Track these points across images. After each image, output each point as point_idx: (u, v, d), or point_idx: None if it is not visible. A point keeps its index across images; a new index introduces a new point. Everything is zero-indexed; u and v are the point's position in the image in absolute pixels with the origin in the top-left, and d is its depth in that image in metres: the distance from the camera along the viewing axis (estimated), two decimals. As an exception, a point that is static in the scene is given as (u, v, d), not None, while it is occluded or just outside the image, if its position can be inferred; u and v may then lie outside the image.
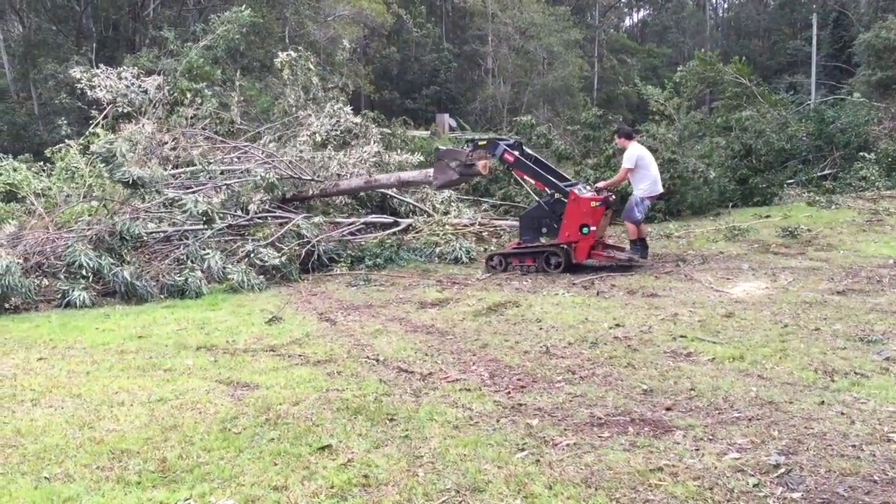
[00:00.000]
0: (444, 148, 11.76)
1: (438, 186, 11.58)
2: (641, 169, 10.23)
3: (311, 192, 12.94)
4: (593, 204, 10.02)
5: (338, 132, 14.18)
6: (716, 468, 3.77)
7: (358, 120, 14.78)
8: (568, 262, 10.23)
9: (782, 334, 6.28)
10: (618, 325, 6.88)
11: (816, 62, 39.37)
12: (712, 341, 6.15)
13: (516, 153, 10.56)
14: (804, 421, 4.35)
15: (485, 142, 10.89)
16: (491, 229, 13.87)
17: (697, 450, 4.02)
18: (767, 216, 14.55)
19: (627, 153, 10.29)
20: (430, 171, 11.46)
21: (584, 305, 7.89)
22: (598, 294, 8.54)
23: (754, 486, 3.57)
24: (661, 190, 10.75)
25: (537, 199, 10.87)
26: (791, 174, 19.85)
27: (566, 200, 10.11)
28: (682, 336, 6.36)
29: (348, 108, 14.79)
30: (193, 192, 11.59)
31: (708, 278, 9.03)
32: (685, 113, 19.71)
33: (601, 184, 10.81)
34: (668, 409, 4.67)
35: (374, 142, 14.27)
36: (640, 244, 10.35)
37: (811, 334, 6.25)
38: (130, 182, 10.54)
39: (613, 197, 10.71)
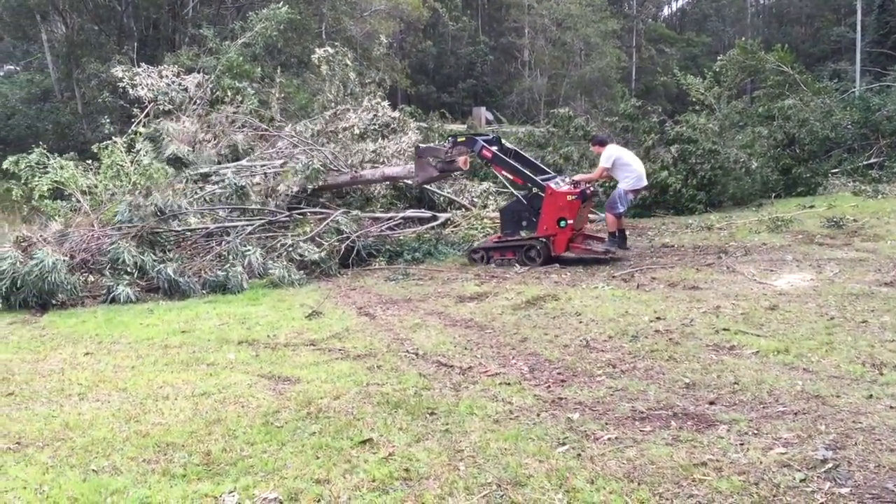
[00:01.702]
0: (424, 146, 11.83)
1: (419, 182, 11.92)
2: (622, 166, 10.49)
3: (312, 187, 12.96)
4: (569, 198, 10.20)
5: (375, 126, 14.24)
6: (761, 463, 3.72)
7: (396, 114, 14.83)
8: (547, 255, 10.40)
9: (828, 327, 6.16)
10: (659, 319, 6.80)
11: (861, 48, 38.48)
12: (756, 334, 6.05)
13: (494, 149, 10.76)
14: (852, 415, 4.26)
15: (464, 138, 11.13)
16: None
17: (742, 444, 3.96)
18: (812, 206, 14.28)
19: (604, 154, 10.59)
20: (412, 166, 11.63)
21: (624, 298, 7.82)
22: (638, 287, 8.46)
23: (801, 481, 3.51)
24: (645, 183, 10.95)
25: (516, 193, 11.02)
26: (836, 163, 19.48)
27: (543, 195, 10.27)
28: (724, 329, 6.27)
29: (386, 103, 14.85)
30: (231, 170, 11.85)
31: (751, 270, 8.89)
32: (726, 102, 19.42)
33: (578, 177, 11.03)
34: (711, 403, 4.61)
35: (413, 133, 14.34)
36: (618, 236, 10.63)
37: (858, 327, 6.13)
38: (177, 159, 10.74)
39: (591, 189, 10.89)
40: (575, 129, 17.65)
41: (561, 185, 10.51)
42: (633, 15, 54.84)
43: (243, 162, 12.90)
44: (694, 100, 19.21)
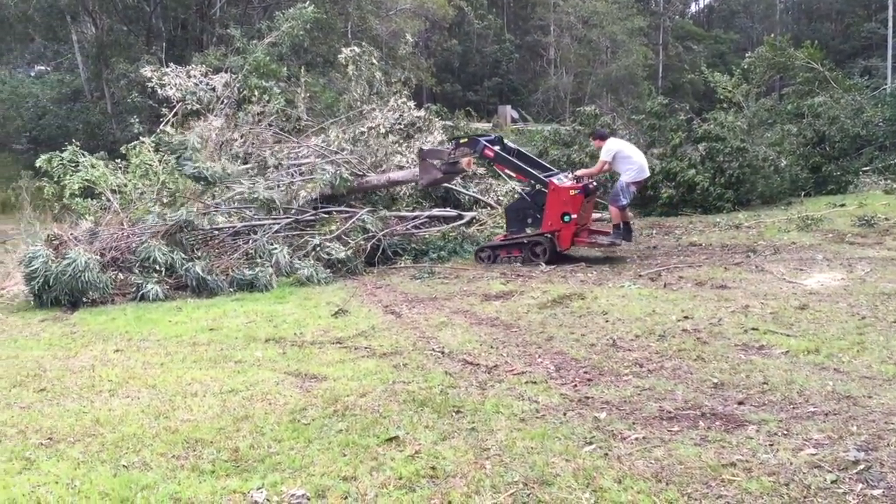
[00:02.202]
0: (427, 148, 11.90)
1: (424, 185, 11.96)
2: (623, 159, 10.54)
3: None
4: (572, 192, 10.31)
5: (401, 126, 14.27)
6: (791, 464, 3.68)
7: (421, 113, 14.84)
8: (553, 250, 10.48)
9: (859, 327, 6.08)
10: (686, 318, 6.75)
11: (892, 45, 37.87)
12: (786, 334, 5.99)
13: (496, 148, 10.85)
14: (884, 416, 4.20)
15: (466, 140, 11.22)
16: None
17: (772, 445, 3.92)
18: (842, 205, 14.09)
19: (605, 148, 10.65)
20: (417, 170, 11.68)
21: (650, 297, 7.77)
22: (665, 286, 8.40)
23: (832, 482, 3.47)
24: (647, 175, 11.03)
25: (520, 191, 11.07)
26: (867, 161, 19.20)
27: (546, 191, 10.35)
28: (753, 328, 6.21)
29: (411, 103, 14.88)
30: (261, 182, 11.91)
31: (780, 269, 8.80)
32: (754, 100, 19.22)
33: (580, 172, 11.04)
34: (740, 403, 4.57)
35: (438, 132, 14.36)
36: (623, 228, 10.69)
37: (890, 326, 6.04)
38: (200, 177, 10.85)
39: (594, 184, 10.98)
40: (601, 126, 17.54)
41: (564, 180, 10.60)
42: (660, 12, 54.43)
43: (270, 172, 12.94)
44: (721, 97, 19.01)
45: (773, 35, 26.36)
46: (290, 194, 12.16)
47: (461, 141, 11.20)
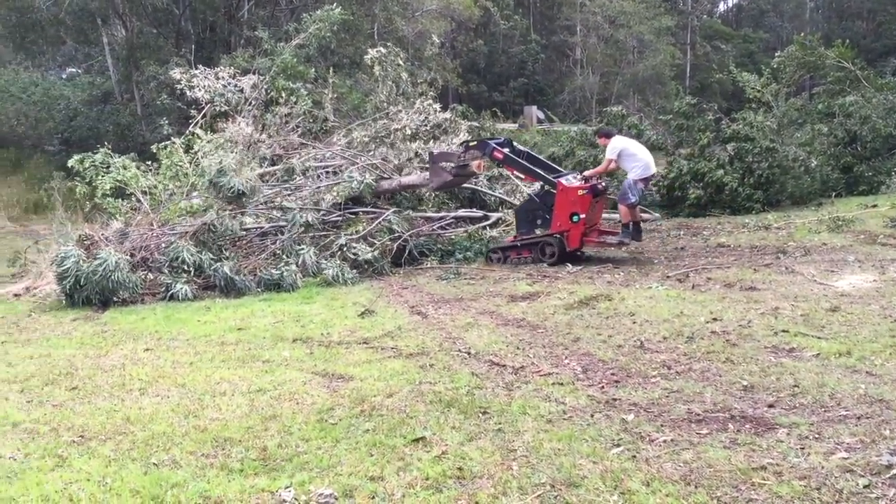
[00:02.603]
0: (437, 151, 11.93)
1: (435, 188, 12.05)
2: (628, 156, 10.56)
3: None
4: (581, 192, 10.34)
5: (427, 127, 14.29)
6: (823, 468, 3.63)
7: (447, 115, 14.86)
8: (562, 251, 10.51)
9: (892, 329, 5.99)
10: (715, 320, 6.69)
11: (926, 43, 37.25)
12: (817, 336, 5.91)
13: (506, 150, 10.90)
14: (918, 420, 4.14)
15: (475, 142, 11.25)
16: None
17: (803, 448, 3.87)
18: (874, 206, 13.88)
19: (610, 146, 10.69)
20: (427, 174, 11.69)
21: (678, 299, 7.71)
22: (693, 287, 8.33)
23: (864, 486, 3.43)
24: (653, 171, 11.00)
25: (528, 192, 11.10)
26: (899, 161, 18.88)
27: (555, 191, 10.39)
28: (783, 331, 6.14)
29: (437, 105, 14.90)
30: (292, 193, 12.00)
31: (811, 271, 8.69)
32: (784, 100, 18.98)
33: (588, 172, 11.07)
34: (770, 406, 4.52)
35: (463, 133, 14.37)
36: (633, 228, 10.68)
37: (924, 329, 5.94)
38: (235, 194, 10.99)
39: (603, 184, 11.01)
40: (628, 127, 17.44)
41: (572, 180, 10.63)
42: (688, 11, 54.00)
43: (297, 178, 13.02)
44: (750, 97, 18.80)
45: (803, 34, 26.01)
46: (318, 198, 12.23)
47: (470, 144, 11.26)
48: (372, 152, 13.61)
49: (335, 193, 12.21)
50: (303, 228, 11.28)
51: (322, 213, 12.01)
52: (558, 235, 10.52)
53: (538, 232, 10.76)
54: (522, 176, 11.16)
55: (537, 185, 11.11)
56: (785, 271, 8.84)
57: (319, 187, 12.61)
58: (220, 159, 11.52)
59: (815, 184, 15.84)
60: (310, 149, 14.04)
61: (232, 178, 11.09)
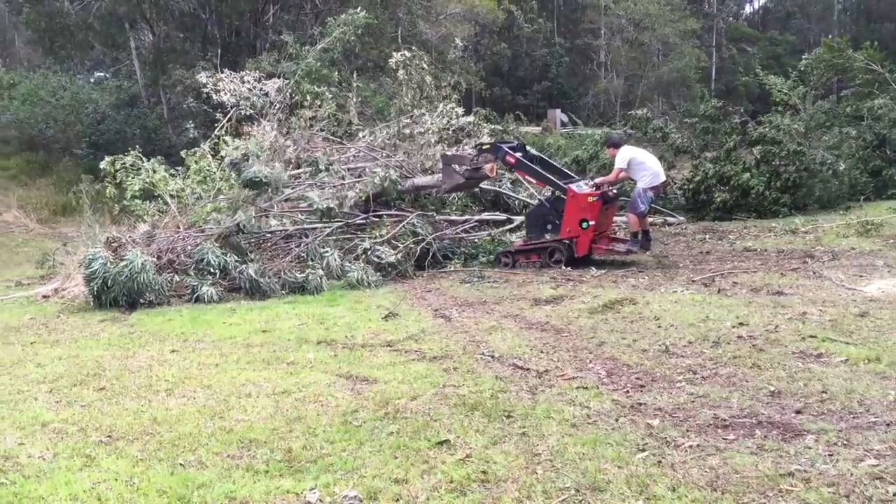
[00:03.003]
0: (450, 153, 12.02)
1: (447, 190, 12.17)
2: (637, 165, 10.66)
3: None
4: (590, 199, 10.39)
5: (450, 131, 14.32)
6: (851, 475, 3.58)
7: (470, 118, 14.89)
8: (570, 256, 10.60)
9: (923, 335, 5.90)
10: (741, 324, 6.63)
11: (957, 45, 36.70)
12: (845, 342, 5.84)
13: (518, 155, 11.00)
14: (950, 428, 4.07)
15: (488, 146, 11.34)
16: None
17: (831, 455, 3.83)
18: (903, 210, 13.71)
19: (619, 156, 10.79)
20: (441, 176, 11.79)
21: (704, 303, 7.65)
22: (719, 291, 8.27)
23: (894, 494, 3.37)
24: (663, 179, 11.12)
25: (539, 197, 11.24)
26: (930, 165, 18.62)
27: (565, 197, 10.47)
28: (811, 336, 6.07)
29: (460, 109, 14.93)
30: (316, 188, 12.09)
31: (839, 275, 8.59)
32: (811, 102, 18.80)
33: (598, 180, 11.15)
34: (797, 412, 4.47)
35: (486, 137, 14.40)
36: (642, 236, 10.81)
37: (956, 335, 5.85)
38: (257, 181, 11.07)
39: (614, 192, 11.09)
40: (653, 130, 17.37)
41: (583, 187, 10.69)
42: (714, 14, 53.57)
43: (322, 176, 13.11)
44: (777, 100, 18.63)
45: (830, 36, 25.79)
46: (341, 198, 12.29)
47: (483, 147, 11.36)
48: (394, 151, 13.66)
49: (358, 190, 12.28)
50: (324, 218, 11.38)
51: (343, 204, 12.09)
52: (567, 241, 10.59)
53: (548, 237, 10.86)
54: (534, 181, 11.25)
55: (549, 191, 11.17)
56: (812, 276, 8.75)
57: (343, 184, 12.67)
58: (243, 148, 11.70)
59: (844, 187, 15.67)
60: (333, 146, 14.12)
61: (254, 165, 11.21)
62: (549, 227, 10.84)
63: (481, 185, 13.26)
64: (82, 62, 32.88)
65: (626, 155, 10.73)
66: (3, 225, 20.77)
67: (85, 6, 26.26)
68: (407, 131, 14.33)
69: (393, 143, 14.14)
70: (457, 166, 11.23)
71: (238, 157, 11.43)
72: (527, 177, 11.35)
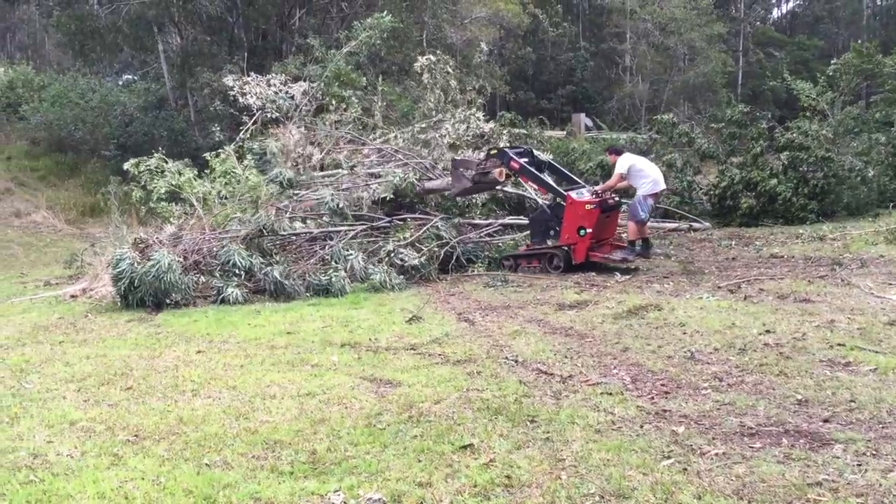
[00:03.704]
0: (459, 158, 12.15)
1: (455, 194, 12.29)
2: (637, 172, 10.99)
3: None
4: (588, 207, 10.47)
5: (469, 137, 14.36)
6: (881, 485, 3.54)
7: (491, 125, 14.92)
8: (568, 262, 10.73)
9: (954, 345, 5.82)
10: (768, 332, 6.57)
11: None
12: (874, 350, 5.77)
13: (523, 161, 11.11)
14: (982, 439, 4.01)
15: (496, 151, 11.46)
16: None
17: (859, 465, 3.78)
18: (934, 217, 13.50)
19: (619, 163, 11.16)
20: (450, 179, 11.95)
21: (730, 310, 7.59)
22: (745, 298, 8.19)
23: (925, 507, 3.33)
24: (663, 187, 11.38)
25: (541, 203, 11.37)
26: (961, 171, 18.33)
27: (565, 204, 10.57)
28: (839, 344, 6.00)
29: (480, 114, 14.97)
30: (334, 189, 12.21)
31: (867, 283, 8.48)
32: (840, 108, 18.59)
33: (599, 187, 11.28)
34: (825, 420, 4.42)
35: (504, 142, 14.44)
36: (642, 244, 11.12)
37: None
38: (281, 181, 11.18)
39: (614, 199, 11.15)
40: (679, 135, 17.25)
41: (585, 194, 10.79)
42: (741, 18, 53.16)
43: (343, 173, 13.20)
44: (805, 105, 18.43)
45: (859, 41, 25.49)
46: (355, 199, 12.38)
47: (491, 153, 11.48)
48: (410, 154, 13.72)
49: (373, 190, 12.36)
50: (335, 217, 11.51)
51: (362, 206, 12.16)
52: (566, 248, 10.69)
53: (549, 242, 10.96)
54: (535, 186, 11.37)
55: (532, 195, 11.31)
56: (841, 283, 8.64)
57: (364, 184, 12.75)
58: (265, 143, 11.85)
59: (872, 194, 15.47)
60: (356, 146, 14.20)
61: (278, 165, 11.37)
62: (552, 233, 10.95)
63: (505, 189, 13.28)
64: (111, 65, 33.27)
65: (627, 162, 11.04)
66: (32, 225, 21.06)
67: (114, 10, 26.54)
68: (423, 136, 14.38)
69: (408, 146, 14.18)
70: (465, 171, 11.39)
71: (259, 150, 11.58)
72: (530, 183, 11.45)
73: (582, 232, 10.48)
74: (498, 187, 12.42)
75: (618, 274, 10.32)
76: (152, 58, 29.70)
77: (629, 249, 10.97)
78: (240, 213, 11.55)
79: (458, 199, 12.95)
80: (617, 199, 11.35)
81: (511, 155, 11.18)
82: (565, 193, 10.71)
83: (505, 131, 15.65)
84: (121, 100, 26.45)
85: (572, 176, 12.06)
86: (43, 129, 26.36)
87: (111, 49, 28.76)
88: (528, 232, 11.85)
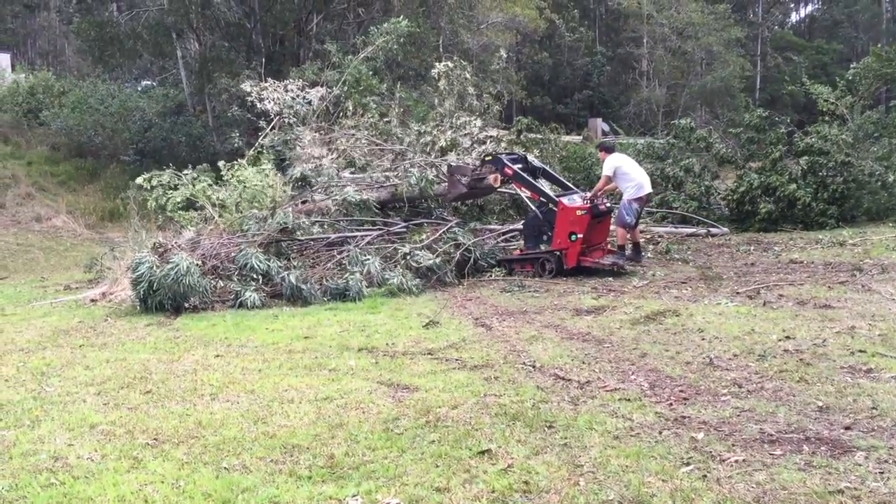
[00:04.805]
0: (455, 165, 12.26)
1: (451, 200, 12.47)
2: (622, 175, 10.84)
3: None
4: (579, 212, 10.61)
5: (468, 144, 14.40)
6: (904, 494, 3.50)
7: (493, 133, 14.96)
8: (560, 267, 10.86)
9: (977, 352, 5.75)
10: (788, 338, 6.52)
11: None
12: (896, 357, 5.71)
13: (517, 167, 11.28)
14: None
15: (490, 157, 11.65)
16: (648, 236, 13.52)
17: (882, 473, 3.75)
18: (955, 222, 13.37)
19: (606, 163, 11.00)
20: (446, 185, 12.16)
21: (749, 316, 7.54)
22: (764, 304, 8.13)
23: (950, 516, 3.29)
24: (649, 191, 11.23)
25: (533, 209, 11.45)
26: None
27: (556, 210, 10.72)
28: (860, 351, 5.95)
29: (478, 122, 14.99)
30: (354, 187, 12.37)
31: (888, 289, 8.40)
32: (859, 112, 18.44)
33: (589, 193, 11.18)
34: (846, 428, 4.38)
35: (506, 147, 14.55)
36: (632, 249, 11.04)
37: None
38: (298, 177, 11.29)
39: (606, 205, 11.21)
40: (696, 140, 17.18)
41: (576, 200, 10.89)
42: (759, 22, 52.92)
43: (359, 175, 13.28)
44: (823, 110, 18.30)
45: (879, 45, 25.29)
46: (377, 195, 12.48)
47: (486, 159, 11.66)
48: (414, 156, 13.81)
49: (391, 187, 12.45)
50: (359, 212, 11.72)
51: (384, 205, 12.22)
52: (558, 252, 10.82)
53: (542, 248, 11.13)
54: (528, 192, 11.43)
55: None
56: (861, 289, 8.57)
57: (376, 184, 12.83)
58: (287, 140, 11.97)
59: (893, 199, 15.35)
60: (373, 147, 14.26)
61: (297, 165, 11.50)
62: (545, 238, 11.12)
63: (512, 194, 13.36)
64: (130, 71, 33.53)
65: (613, 163, 10.91)
66: (53, 230, 21.24)
67: (134, 16, 26.83)
68: (427, 139, 14.44)
69: (414, 150, 14.23)
70: (460, 177, 11.56)
71: (279, 143, 11.73)
72: (523, 188, 11.52)
73: (573, 237, 10.64)
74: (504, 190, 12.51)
75: (635, 279, 10.28)
76: (171, 64, 29.96)
77: (619, 254, 11.05)
78: (256, 212, 11.60)
79: (453, 203, 13.06)
80: (608, 204, 11.46)
81: (505, 161, 11.37)
82: (557, 199, 10.86)
83: (503, 142, 15.67)
84: (140, 105, 26.63)
85: (566, 182, 12.24)
86: (63, 135, 26.59)
87: (130, 55, 29.01)
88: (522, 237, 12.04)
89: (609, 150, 11.42)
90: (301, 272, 10.29)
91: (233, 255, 10.61)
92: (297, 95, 15.73)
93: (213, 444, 4.60)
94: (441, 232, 11.79)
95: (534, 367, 6.11)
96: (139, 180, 12.89)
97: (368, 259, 10.76)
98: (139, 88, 33.20)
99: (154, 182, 12.72)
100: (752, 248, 12.78)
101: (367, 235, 11.74)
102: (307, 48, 26.96)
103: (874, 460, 3.91)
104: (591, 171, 17.18)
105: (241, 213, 11.95)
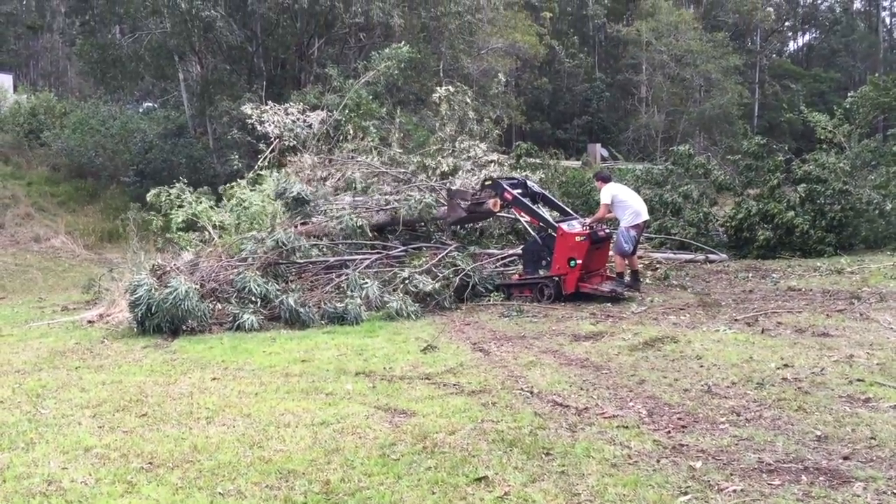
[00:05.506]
0: (455, 189, 12.38)
1: (450, 223, 12.56)
2: (619, 203, 11.01)
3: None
4: (578, 238, 10.64)
5: (468, 166, 14.48)
6: (903, 526, 3.48)
7: (494, 156, 15.05)
8: (558, 293, 10.86)
9: (976, 382, 5.74)
10: (786, 366, 6.50)
11: None
12: (894, 386, 5.70)
13: (516, 192, 11.28)
14: None
15: (490, 182, 11.76)
16: (647, 262, 13.52)
17: (880, 504, 3.73)
18: (953, 251, 13.39)
19: (603, 192, 11.16)
20: (446, 209, 12.25)
21: (747, 343, 7.53)
22: (762, 332, 8.12)
23: (949, 548, 3.27)
24: (646, 218, 11.38)
25: (533, 234, 11.57)
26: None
27: (556, 235, 10.74)
28: (859, 380, 5.93)
29: (483, 145, 15.10)
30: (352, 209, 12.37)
31: (886, 318, 8.39)
32: (857, 141, 18.55)
33: (588, 219, 11.37)
34: (845, 458, 4.36)
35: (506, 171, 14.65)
36: (630, 276, 11.16)
37: None
38: (296, 198, 11.35)
39: (605, 231, 11.30)
40: (695, 166, 17.26)
41: (575, 226, 10.94)
42: (757, 50, 53.32)
43: (360, 198, 13.31)
44: (821, 138, 18.41)
45: (876, 74, 25.48)
46: (375, 219, 12.49)
47: (486, 183, 11.75)
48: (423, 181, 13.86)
49: (390, 211, 12.46)
50: (354, 237, 11.74)
51: (383, 228, 12.23)
52: (557, 278, 10.84)
53: (541, 273, 11.15)
54: (528, 217, 11.54)
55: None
56: (859, 317, 8.56)
57: (375, 206, 12.86)
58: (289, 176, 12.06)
59: (891, 228, 15.40)
60: (371, 171, 14.30)
61: (294, 185, 11.55)
62: (544, 263, 11.14)
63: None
64: (132, 92, 33.73)
65: (610, 192, 11.06)
66: (51, 250, 21.25)
67: (136, 39, 27.03)
68: (431, 162, 14.52)
69: (415, 174, 14.29)
70: (460, 201, 11.61)
71: (283, 187, 11.78)
72: (522, 214, 11.62)
73: (572, 263, 10.64)
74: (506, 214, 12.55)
75: (634, 305, 10.27)
76: (172, 86, 30.14)
77: (618, 281, 11.12)
78: (255, 233, 11.62)
79: (453, 227, 13.09)
80: (607, 231, 11.53)
81: (505, 186, 11.37)
82: (556, 224, 10.88)
83: (505, 164, 15.74)
84: (141, 127, 26.79)
85: (565, 207, 12.25)
86: (64, 156, 26.71)
87: (132, 77, 29.21)
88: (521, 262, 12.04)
89: (605, 179, 11.53)
90: (299, 295, 10.28)
91: (231, 277, 10.60)
92: (298, 119, 15.81)
93: (208, 468, 4.57)
94: (440, 256, 11.80)
95: (531, 392, 6.09)
96: (149, 196, 12.97)
97: (367, 283, 10.76)
98: (140, 110, 33.41)
99: (163, 197, 12.79)
100: (750, 274, 12.79)
101: (365, 259, 11.74)
102: (308, 72, 27.13)
103: (873, 491, 3.89)
104: (590, 197, 17.20)
105: (241, 234, 11.98)
